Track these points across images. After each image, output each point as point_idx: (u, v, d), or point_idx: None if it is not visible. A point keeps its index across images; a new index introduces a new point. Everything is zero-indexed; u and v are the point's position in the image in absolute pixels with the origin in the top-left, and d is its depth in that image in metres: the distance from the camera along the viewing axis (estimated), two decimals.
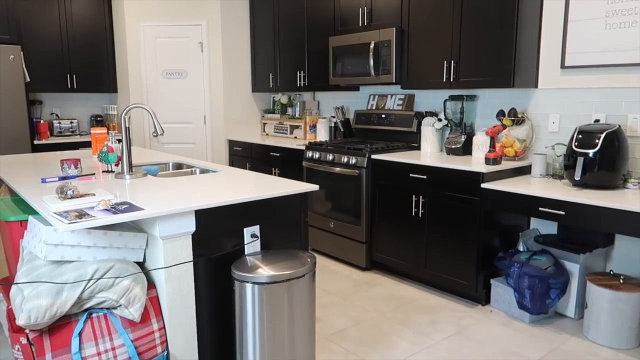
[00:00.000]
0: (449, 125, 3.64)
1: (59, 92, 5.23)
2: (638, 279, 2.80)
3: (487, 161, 3.12)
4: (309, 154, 4.12)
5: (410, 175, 3.39)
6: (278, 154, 4.58)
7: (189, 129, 5.15)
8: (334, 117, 4.58)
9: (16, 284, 1.78)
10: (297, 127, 4.94)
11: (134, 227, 2.00)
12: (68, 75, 5.03)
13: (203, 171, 2.95)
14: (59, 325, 1.76)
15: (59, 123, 5.10)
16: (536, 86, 3.26)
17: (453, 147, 3.51)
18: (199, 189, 2.20)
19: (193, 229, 1.95)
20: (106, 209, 1.80)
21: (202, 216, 1.97)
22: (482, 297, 3.16)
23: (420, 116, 3.90)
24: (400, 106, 4.12)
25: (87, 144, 4.93)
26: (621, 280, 2.72)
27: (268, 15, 5.00)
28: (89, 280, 1.76)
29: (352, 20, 4.07)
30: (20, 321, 1.65)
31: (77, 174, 2.55)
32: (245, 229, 2.15)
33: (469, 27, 3.26)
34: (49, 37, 4.87)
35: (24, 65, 4.54)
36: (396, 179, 3.49)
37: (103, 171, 2.73)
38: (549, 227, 3.28)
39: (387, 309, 3.14)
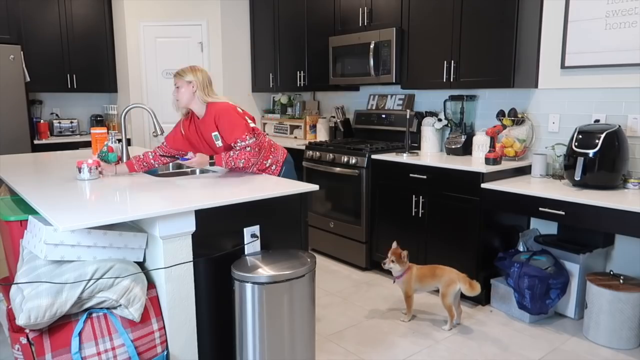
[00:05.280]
0: (449, 125, 3.64)
1: (59, 92, 5.22)
2: (638, 279, 2.80)
3: (487, 161, 3.12)
4: (309, 153, 4.12)
5: (410, 175, 3.39)
6: None
7: None
8: (334, 117, 4.58)
9: (16, 283, 1.78)
10: (297, 127, 4.94)
11: (134, 227, 2.00)
12: (68, 75, 5.03)
13: (203, 171, 2.95)
14: (59, 325, 1.76)
15: (59, 123, 5.10)
16: (536, 86, 3.26)
17: (453, 147, 3.51)
18: (199, 189, 2.20)
19: (193, 229, 1.95)
20: None
21: (202, 216, 1.97)
22: (482, 297, 3.16)
23: (420, 116, 3.90)
24: (400, 106, 4.12)
25: (87, 144, 4.92)
26: (621, 280, 2.72)
27: (268, 15, 5.00)
28: (89, 280, 1.76)
29: (352, 20, 4.06)
30: (20, 321, 1.65)
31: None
32: (245, 229, 2.15)
33: (469, 27, 3.26)
34: (49, 37, 4.87)
35: (24, 65, 4.54)
36: (396, 179, 3.49)
37: None
38: (549, 227, 3.28)
39: (387, 309, 3.14)
